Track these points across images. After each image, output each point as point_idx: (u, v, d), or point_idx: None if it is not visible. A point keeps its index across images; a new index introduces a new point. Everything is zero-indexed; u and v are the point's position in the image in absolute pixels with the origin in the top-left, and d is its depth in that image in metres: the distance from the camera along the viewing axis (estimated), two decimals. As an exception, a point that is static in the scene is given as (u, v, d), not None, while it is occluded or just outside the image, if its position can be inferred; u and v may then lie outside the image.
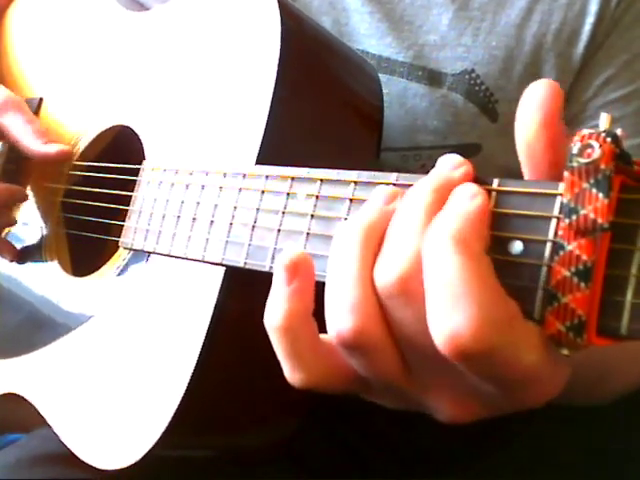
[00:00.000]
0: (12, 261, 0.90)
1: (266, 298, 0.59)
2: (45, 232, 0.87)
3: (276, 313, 0.45)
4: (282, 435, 0.70)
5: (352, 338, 0.43)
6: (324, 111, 0.66)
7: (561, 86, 0.77)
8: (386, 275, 0.42)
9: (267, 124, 0.61)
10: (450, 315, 0.39)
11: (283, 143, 0.63)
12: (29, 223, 0.89)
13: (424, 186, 0.44)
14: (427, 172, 0.81)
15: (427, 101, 0.79)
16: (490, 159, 0.80)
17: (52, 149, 0.84)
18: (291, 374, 0.46)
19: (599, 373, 0.66)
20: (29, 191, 0.91)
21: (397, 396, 0.47)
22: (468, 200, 0.41)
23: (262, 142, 0.61)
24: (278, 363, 0.47)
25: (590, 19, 0.78)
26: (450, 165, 0.45)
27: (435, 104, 0.79)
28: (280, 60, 0.62)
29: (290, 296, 0.45)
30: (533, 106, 0.41)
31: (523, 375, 0.40)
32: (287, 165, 0.56)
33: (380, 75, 0.74)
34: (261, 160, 0.61)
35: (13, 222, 0.91)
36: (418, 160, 0.81)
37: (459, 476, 0.83)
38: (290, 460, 0.80)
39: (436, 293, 0.39)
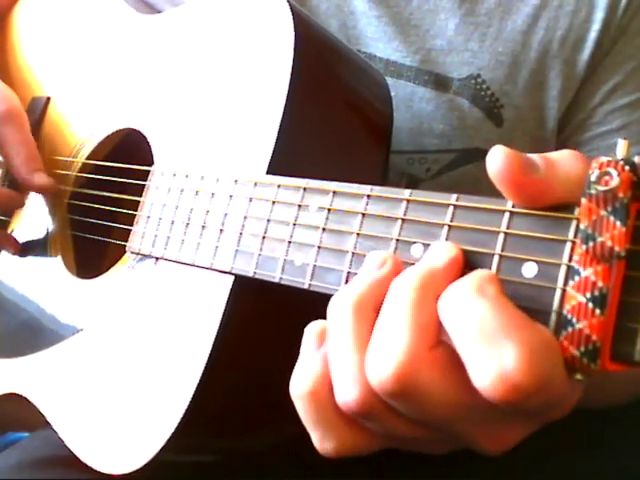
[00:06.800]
0: (14, 254, 0.90)
1: (275, 304, 0.60)
2: (50, 231, 0.87)
3: (303, 379, 0.45)
4: (288, 437, 0.70)
5: (357, 409, 0.43)
6: (335, 119, 0.66)
7: (567, 92, 0.79)
8: (380, 371, 0.41)
9: (279, 131, 0.61)
10: (493, 357, 0.38)
11: (295, 150, 0.63)
12: (35, 222, 0.89)
13: (408, 280, 0.43)
14: (432, 176, 0.82)
15: (433, 105, 0.79)
16: None
17: (36, 181, 0.82)
18: (321, 444, 0.45)
19: (599, 382, 0.66)
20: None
21: (431, 444, 0.46)
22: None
23: (274, 148, 0.61)
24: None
25: (596, 26, 0.78)
26: (437, 254, 0.44)
27: (441, 108, 0.79)
28: (293, 68, 0.62)
29: (319, 360, 0.45)
30: (496, 180, 0.42)
31: (558, 397, 0.40)
32: (298, 171, 0.56)
33: (387, 78, 0.74)
34: (273, 166, 0.61)
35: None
36: (423, 163, 0.81)
37: (459, 476, 0.84)
38: (295, 461, 0.81)
39: (470, 341, 0.39)
